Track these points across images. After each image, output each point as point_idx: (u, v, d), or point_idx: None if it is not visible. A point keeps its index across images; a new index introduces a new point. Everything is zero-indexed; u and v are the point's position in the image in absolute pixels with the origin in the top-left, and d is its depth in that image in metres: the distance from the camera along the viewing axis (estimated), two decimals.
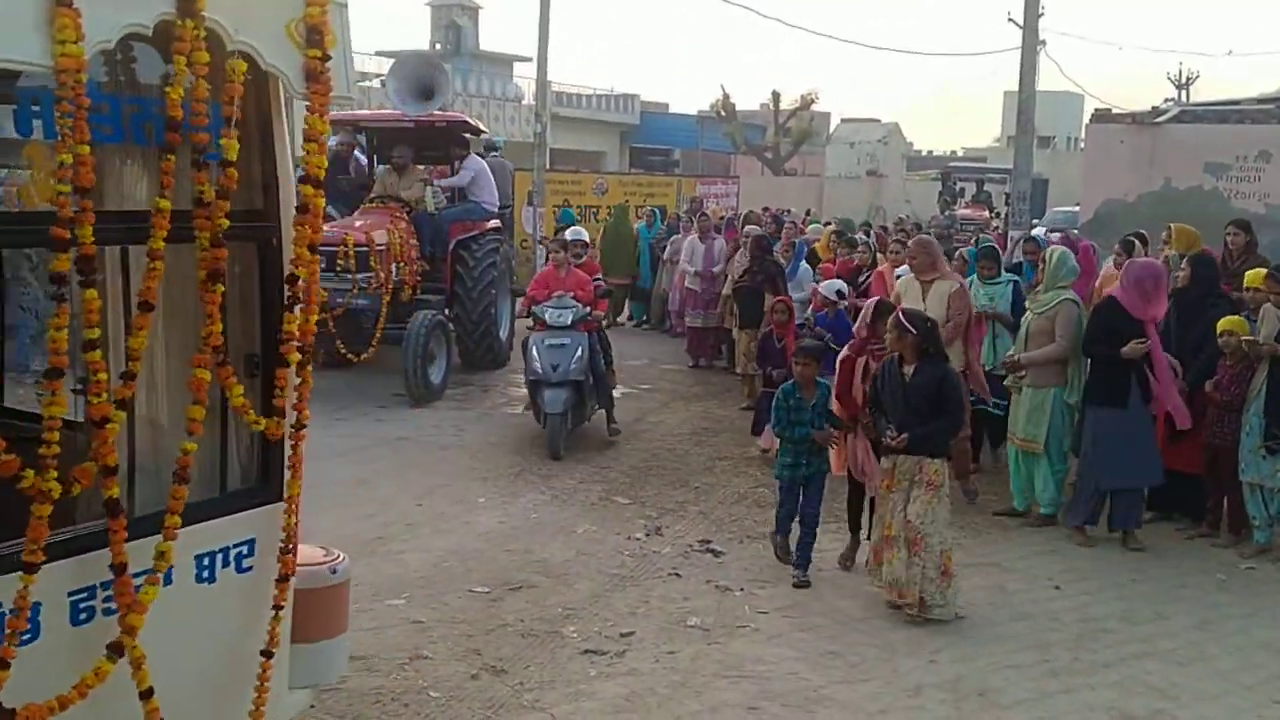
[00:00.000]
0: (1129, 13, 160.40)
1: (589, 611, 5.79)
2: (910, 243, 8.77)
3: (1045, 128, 40.60)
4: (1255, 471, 6.70)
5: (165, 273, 2.93)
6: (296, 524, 3.51)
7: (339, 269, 10.46)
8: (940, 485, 5.75)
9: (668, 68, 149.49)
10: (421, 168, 12.58)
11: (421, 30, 55.03)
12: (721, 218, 15.83)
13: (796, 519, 6.46)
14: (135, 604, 2.96)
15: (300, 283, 3.32)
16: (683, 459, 9.04)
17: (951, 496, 6.03)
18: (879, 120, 58.31)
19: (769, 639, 5.52)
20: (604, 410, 9.56)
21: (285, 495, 3.49)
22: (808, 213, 22.81)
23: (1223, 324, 6.83)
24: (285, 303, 3.33)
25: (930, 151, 68.21)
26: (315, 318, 3.42)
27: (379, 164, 12.74)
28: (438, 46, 44.07)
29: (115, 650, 2.94)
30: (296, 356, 3.36)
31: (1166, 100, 34.19)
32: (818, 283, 10.14)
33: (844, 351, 6.70)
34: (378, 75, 30.05)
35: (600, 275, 10.04)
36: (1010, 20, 18.84)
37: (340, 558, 4.02)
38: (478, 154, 13.23)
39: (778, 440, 6.69)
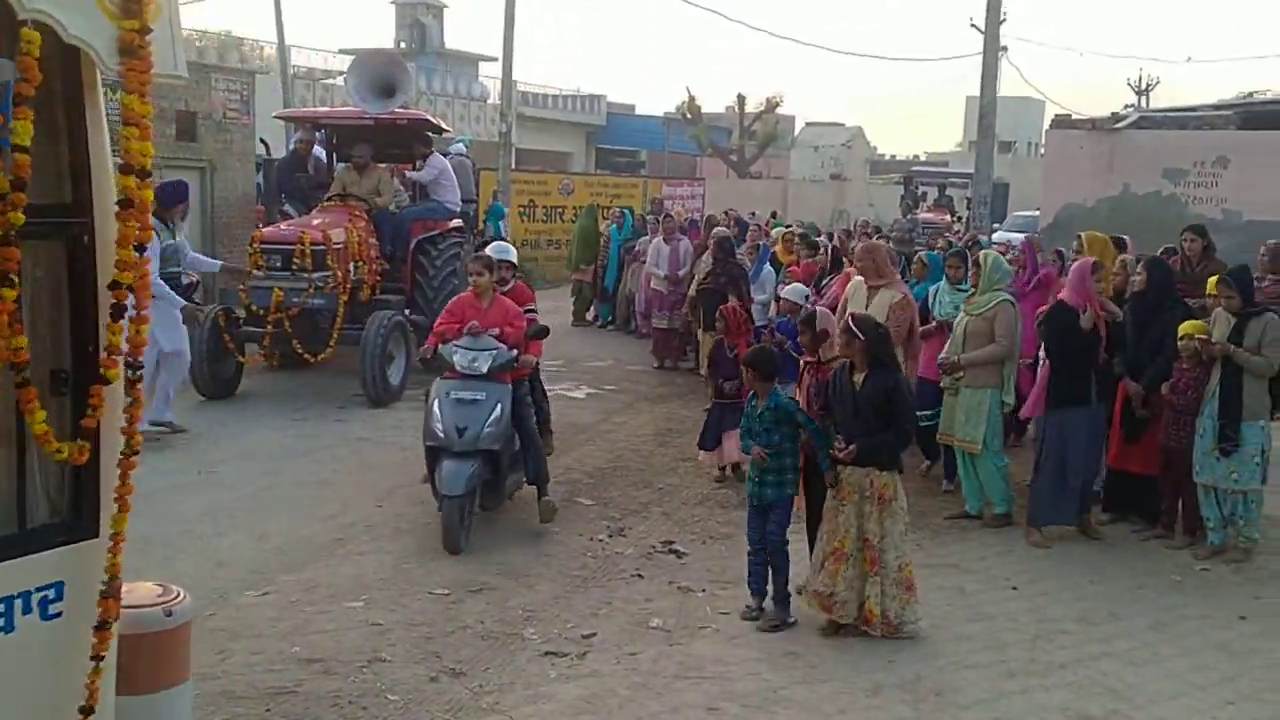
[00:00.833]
0: (1090, 19, 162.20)
1: (550, 613, 5.77)
2: (858, 248, 8.65)
3: (1006, 133, 41.07)
4: (1209, 474, 6.79)
5: None
6: (118, 563, 3.05)
7: (295, 268, 10.38)
8: (892, 499, 5.55)
9: (634, 69, 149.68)
10: (384, 166, 12.48)
11: (386, 28, 54.67)
12: (687, 220, 15.87)
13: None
14: None
15: (124, 289, 2.90)
16: (647, 460, 9.03)
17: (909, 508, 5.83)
18: (843, 124, 58.78)
19: (730, 640, 5.52)
20: (534, 485, 7.29)
21: (109, 531, 3.03)
22: (773, 215, 22.89)
23: (1183, 328, 6.93)
24: (110, 311, 2.91)
25: (893, 156, 68.69)
26: (146, 328, 3.02)
27: (339, 162, 12.61)
28: (402, 45, 43.79)
29: None
30: (117, 373, 2.93)
31: (1126, 106, 34.68)
32: (782, 285, 10.14)
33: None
34: (340, 73, 29.85)
35: (534, 305, 7.77)
36: (973, 26, 19.06)
37: (179, 596, 3.57)
38: (441, 153, 13.16)
39: (737, 457, 6.50)
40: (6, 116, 2.62)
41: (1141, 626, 5.85)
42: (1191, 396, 6.89)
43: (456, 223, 12.62)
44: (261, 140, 18.04)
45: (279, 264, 10.50)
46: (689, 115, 44.08)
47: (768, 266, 11.92)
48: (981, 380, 7.29)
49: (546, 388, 8.53)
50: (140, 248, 2.92)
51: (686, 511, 7.67)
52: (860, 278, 7.91)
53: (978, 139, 19.71)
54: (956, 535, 7.27)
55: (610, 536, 7.05)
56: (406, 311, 11.68)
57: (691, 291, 11.97)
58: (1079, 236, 8.75)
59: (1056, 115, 18.11)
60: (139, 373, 3.02)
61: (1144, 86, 44.44)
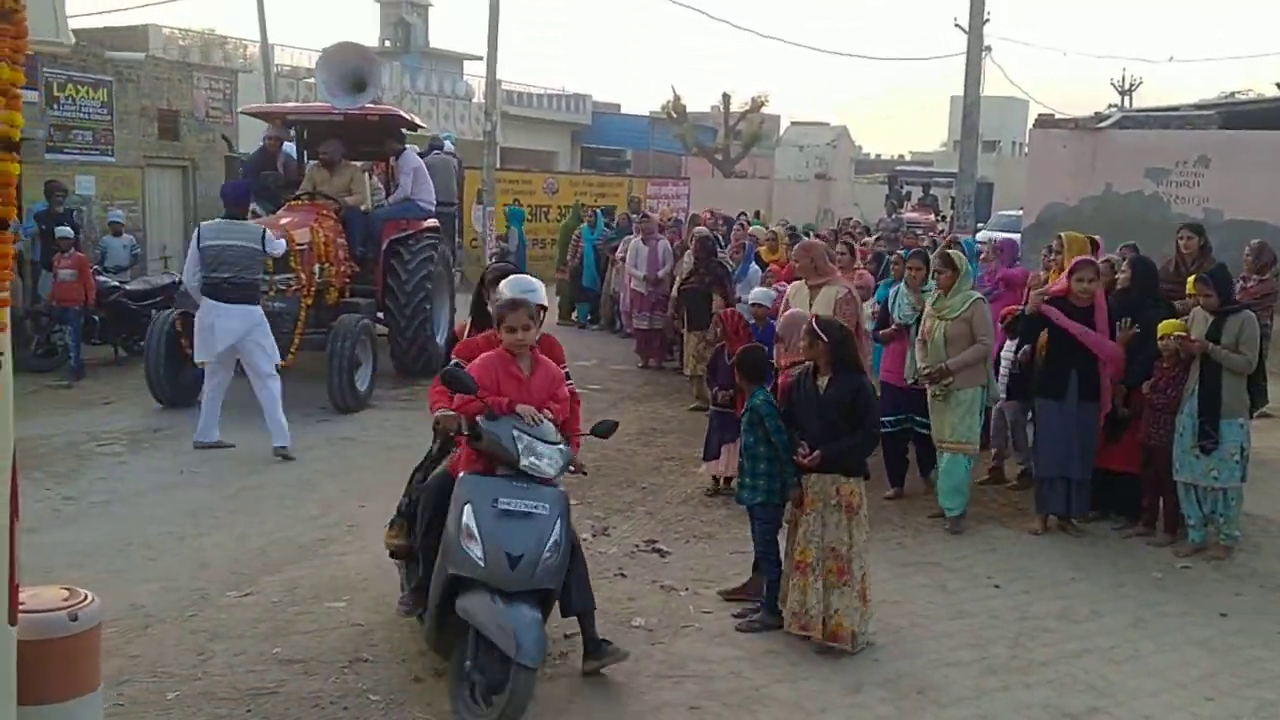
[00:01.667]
0: (1074, 19, 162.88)
1: None
2: (795, 247, 8.40)
3: (990, 132, 41.19)
4: (1189, 471, 6.83)
5: None
6: (12, 563, 2.88)
7: None
8: (859, 508, 5.40)
9: (619, 68, 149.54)
10: (358, 164, 12.24)
11: (371, 27, 54.49)
12: (671, 219, 15.87)
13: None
14: None
15: None
16: (630, 459, 9.03)
17: (870, 515, 5.66)
18: (828, 123, 58.79)
19: (712, 639, 5.52)
20: (577, 615, 5.08)
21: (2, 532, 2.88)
22: (756, 214, 22.92)
23: (1162, 327, 6.97)
24: None
25: (878, 155, 68.95)
26: (5, 310, 2.82)
27: (309, 160, 12.28)
28: (387, 44, 43.70)
29: None
30: None
31: (1110, 106, 34.83)
32: (767, 285, 10.14)
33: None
34: None
35: (566, 367, 5.34)
36: (956, 25, 19.09)
37: (86, 599, 3.39)
38: (420, 152, 13.00)
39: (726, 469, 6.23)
40: None
41: (1123, 624, 5.88)
42: (1171, 395, 6.93)
43: (431, 223, 12.33)
44: (224, 137, 17.70)
45: None
46: (674, 114, 44.11)
47: (754, 265, 11.94)
48: (970, 379, 7.30)
49: None
50: (3, 224, 2.70)
51: (670, 510, 7.67)
52: (801, 280, 7.65)
53: (962, 138, 19.74)
54: (939, 533, 7.29)
55: (594, 536, 7.04)
56: (380, 314, 11.50)
57: (674, 292, 11.99)
58: (1059, 236, 8.79)
59: (1040, 115, 18.19)
60: (5, 364, 2.80)
61: (1127, 86, 44.68)
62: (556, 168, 37.03)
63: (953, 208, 22.56)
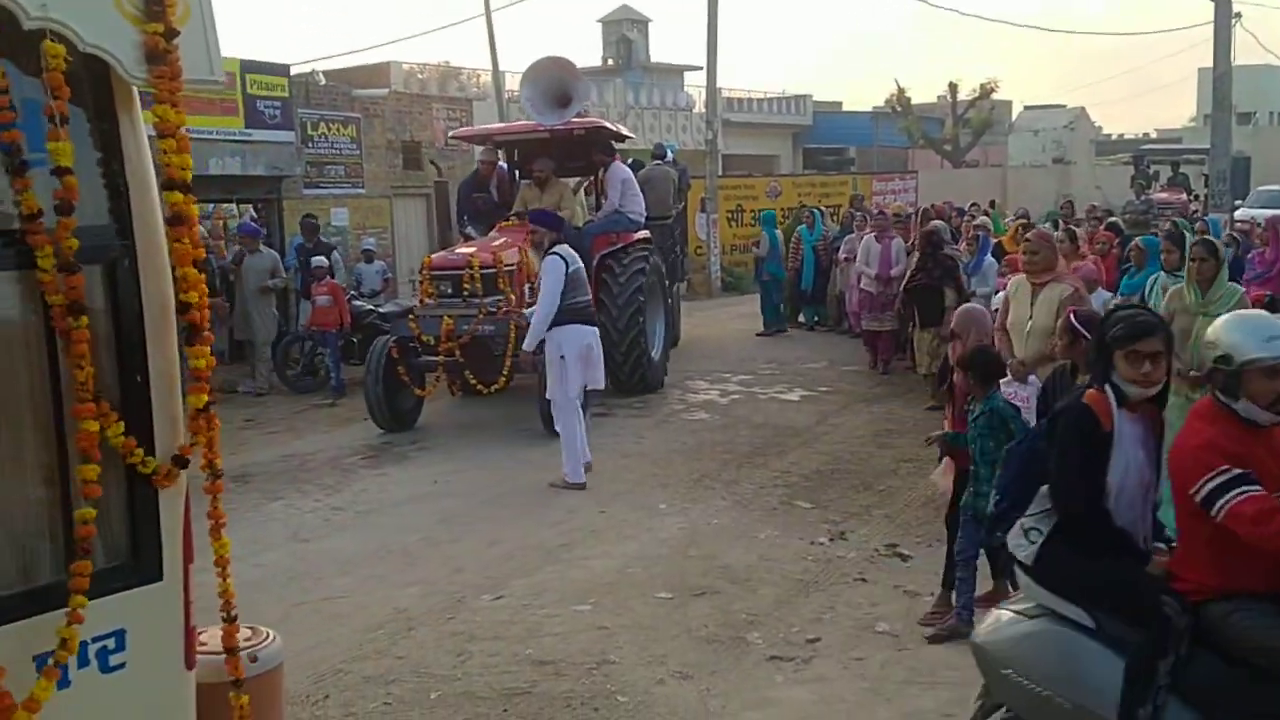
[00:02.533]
0: None
1: (774, 617, 5.75)
2: (1029, 235, 7.34)
3: (1245, 103, 38.21)
4: None
5: None
6: (187, 607, 2.80)
7: (465, 294, 10.01)
8: None
9: (840, 66, 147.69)
10: (573, 181, 12.07)
11: (594, 47, 55.99)
12: (897, 215, 15.44)
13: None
14: None
15: (193, 311, 2.70)
16: (865, 462, 8.88)
17: None
18: (1064, 105, 55.97)
19: (961, 645, 5.34)
20: None
21: (175, 573, 2.76)
22: (992, 203, 22.10)
23: None
24: (185, 334, 2.74)
25: (1121, 135, 64.96)
26: (207, 350, 2.81)
27: (521, 179, 12.21)
28: (609, 61, 44.73)
29: None
30: (205, 398, 2.74)
31: None
32: (1004, 275, 9.71)
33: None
34: None
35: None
36: None
37: (268, 638, 3.28)
38: (641, 163, 12.86)
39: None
40: (35, 135, 2.43)
41: None
42: None
43: (643, 235, 12.06)
44: (432, 163, 18.22)
45: (449, 290, 10.19)
46: (898, 108, 43.10)
47: (989, 257, 11.47)
48: None
49: (760, 391, 8.34)
50: (198, 265, 2.72)
51: (910, 514, 7.49)
52: (1023, 275, 6.86)
53: (1213, 111, 18.41)
54: None
55: (831, 540, 6.97)
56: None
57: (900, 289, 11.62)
58: None
59: None
60: (213, 399, 2.82)
61: None
62: (778, 170, 36.87)
63: (1206, 186, 21.05)
